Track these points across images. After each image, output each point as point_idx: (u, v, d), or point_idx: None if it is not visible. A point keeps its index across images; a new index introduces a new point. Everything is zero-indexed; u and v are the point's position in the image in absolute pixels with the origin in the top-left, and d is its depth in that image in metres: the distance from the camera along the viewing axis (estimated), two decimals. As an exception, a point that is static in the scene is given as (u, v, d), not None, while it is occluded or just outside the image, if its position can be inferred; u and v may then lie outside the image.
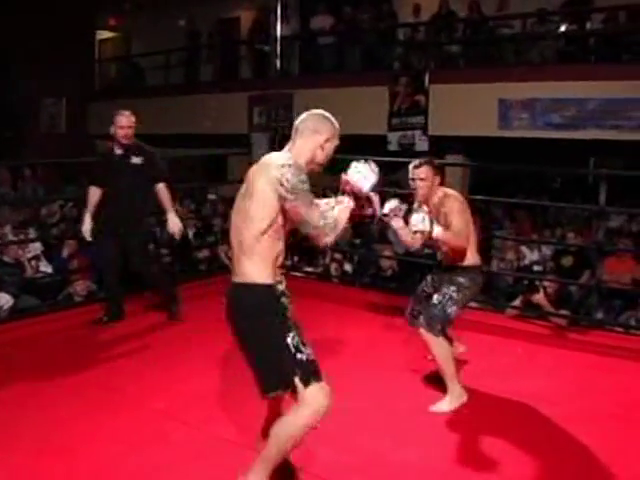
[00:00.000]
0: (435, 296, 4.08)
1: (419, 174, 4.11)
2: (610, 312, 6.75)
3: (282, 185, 2.63)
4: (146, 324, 5.44)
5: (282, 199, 2.65)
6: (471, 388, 4.18)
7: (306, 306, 5.80)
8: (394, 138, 10.74)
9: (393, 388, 4.27)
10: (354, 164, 2.98)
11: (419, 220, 3.93)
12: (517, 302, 6.01)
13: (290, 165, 2.68)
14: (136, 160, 5.31)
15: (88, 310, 5.79)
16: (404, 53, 11.43)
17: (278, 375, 2.69)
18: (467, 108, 9.88)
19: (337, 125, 2.96)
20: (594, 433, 3.67)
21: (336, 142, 2.94)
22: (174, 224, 5.39)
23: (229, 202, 5.93)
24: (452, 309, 4.02)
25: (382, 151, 10.02)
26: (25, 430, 3.54)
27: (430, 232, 3.92)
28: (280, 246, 2.74)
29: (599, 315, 6.48)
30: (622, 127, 8.78)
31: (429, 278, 4.35)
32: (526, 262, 8.24)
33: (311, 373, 2.67)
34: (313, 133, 2.86)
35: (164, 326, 5.45)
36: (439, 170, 4.19)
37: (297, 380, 2.66)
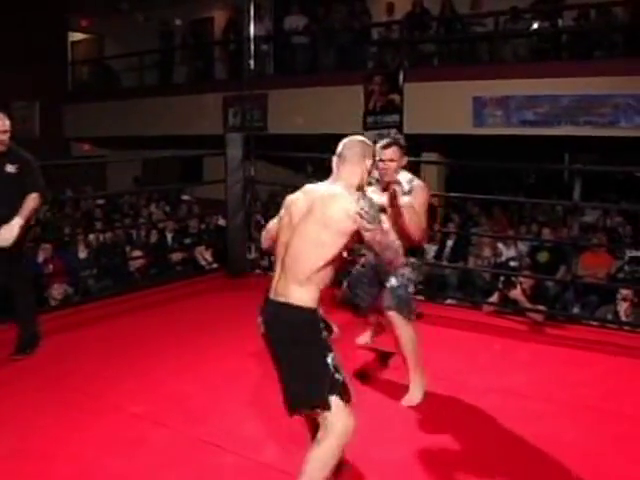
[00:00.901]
0: (393, 279, 4.00)
1: (388, 155, 3.97)
2: (586, 307, 6.82)
3: (363, 217, 2.68)
4: (118, 328, 5.38)
5: (363, 230, 2.70)
6: (449, 384, 4.20)
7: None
8: (370, 137, 10.72)
9: (369, 386, 4.27)
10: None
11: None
12: (494, 298, 6.04)
13: (364, 197, 2.79)
14: (10, 169, 4.67)
15: (65, 314, 5.74)
16: (378, 52, 11.46)
17: (316, 392, 2.70)
18: (442, 106, 9.92)
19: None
20: (570, 426, 3.70)
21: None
22: (6, 231, 4.46)
23: (204, 203, 5.92)
24: (411, 288, 4.04)
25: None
26: (1, 435, 3.50)
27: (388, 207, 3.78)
28: (333, 274, 2.77)
29: (575, 310, 6.54)
30: (595, 123, 8.86)
31: (369, 264, 4.25)
32: (502, 258, 8.29)
33: (346, 394, 2.72)
34: (362, 158, 2.89)
35: (135, 328, 5.40)
36: (406, 151, 4.06)
37: (333, 399, 2.68)
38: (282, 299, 2.73)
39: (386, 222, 3.20)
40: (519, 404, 3.98)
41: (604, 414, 3.88)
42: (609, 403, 4.03)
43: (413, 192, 3.96)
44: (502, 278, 6.14)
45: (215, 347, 4.92)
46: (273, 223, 3.05)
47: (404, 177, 4.00)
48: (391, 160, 3.96)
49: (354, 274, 4.39)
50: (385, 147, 3.97)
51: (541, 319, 5.54)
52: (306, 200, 2.81)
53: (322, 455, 2.71)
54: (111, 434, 3.57)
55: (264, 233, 3.13)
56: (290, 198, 2.90)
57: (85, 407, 3.88)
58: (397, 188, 3.76)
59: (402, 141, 4.09)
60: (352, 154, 2.89)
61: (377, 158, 3.51)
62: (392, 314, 3.96)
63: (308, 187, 2.89)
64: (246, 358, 4.66)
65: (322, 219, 2.71)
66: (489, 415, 3.85)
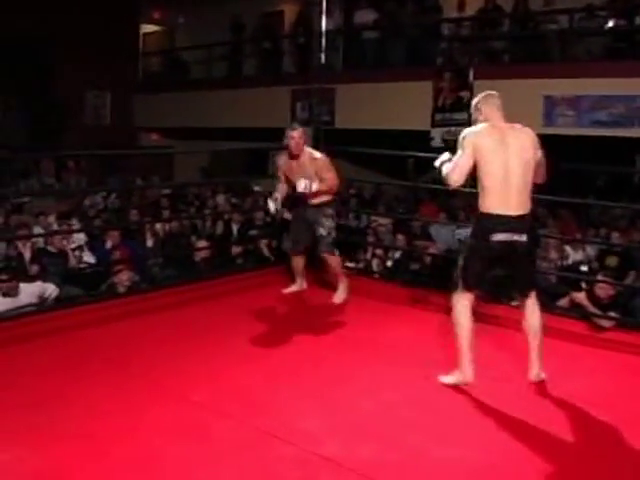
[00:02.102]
0: (321, 229, 5.72)
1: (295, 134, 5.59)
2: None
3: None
4: (182, 317, 5.46)
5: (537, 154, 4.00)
6: (509, 387, 4.15)
7: (350, 302, 5.89)
8: (437, 134, 10.68)
9: (432, 386, 4.24)
10: None
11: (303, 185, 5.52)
12: (564, 302, 5.92)
13: None
14: None
15: (131, 301, 5.86)
16: (448, 48, 11.35)
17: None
18: (511, 104, 9.59)
19: None
20: (635, 438, 3.61)
21: None
22: None
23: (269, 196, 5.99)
24: (334, 233, 5.81)
25: (425, 147, 9.98)
26: (66, 422, 3.57)
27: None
28: None
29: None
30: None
31: (301, 218, 5.86)
32: (569, 261, 8.14)
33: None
34: None
35: (199, 318, 5.47)
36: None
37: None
38: (523, 212, 3.85)
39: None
40: (586, 412, 3.90)
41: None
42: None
43: (319, 165, 5.60)
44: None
45: (278, 340, 4.94)
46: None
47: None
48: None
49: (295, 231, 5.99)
50: (293, 129, 5.63)
51: (609, 325, 5.41)
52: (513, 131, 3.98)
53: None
54: (173, 421, 3.62)
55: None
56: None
57: (148, 394, 3.93)
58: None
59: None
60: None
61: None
62: (328, 255, 5.81)
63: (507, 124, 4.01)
64: (310, 353, 4.70)
65: (525, 146, 3.95)
66: (550, 421, 3.78)
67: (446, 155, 4.09)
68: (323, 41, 7.75)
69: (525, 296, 4.15)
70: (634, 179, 11.62)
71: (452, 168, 3.92)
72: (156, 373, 4.27)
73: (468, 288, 4.02)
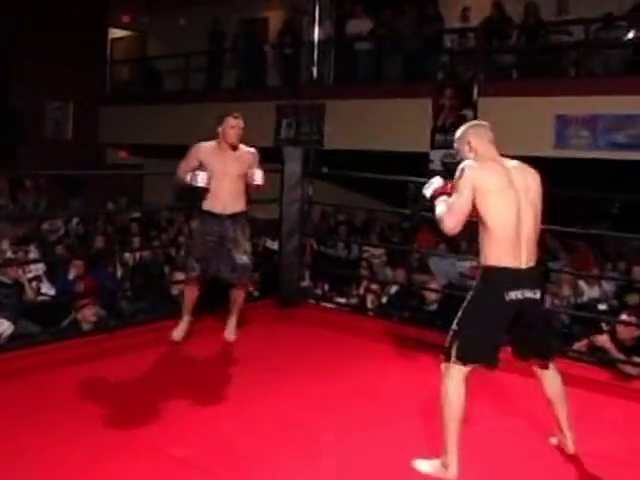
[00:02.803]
0: (242, 255, 5.52)
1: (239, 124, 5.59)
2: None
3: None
4: (155, 359, 5.38)
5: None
6: (526, 444, 4.09)
7: (340, 342, 5.83)
8: (437, 156, 10.71)
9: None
10: None
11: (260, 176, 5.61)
12: (581, 345, 5.88)
13: None
14: None
15: (96, 339, 5.75)
16: (450, 62, 11.41)
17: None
18: (520, 124, 9.82)
19: None
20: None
21: None
22: None
23: (251, 223, 5.94)
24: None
25: (422, 171, 9.97)
26: (28, 471, 3.48)
27: None
28: None
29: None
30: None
31: (215, 232, 5.51)
32: (584, 299, 8.12)
33: None
34: None
35: (176, 359, 5.40)
36: None
37: None
38: (533, 264, 3.60)
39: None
40: (610, 473, 3.84)
41: None
42: None
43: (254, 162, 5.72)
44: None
45: (264, 385, 4.85)
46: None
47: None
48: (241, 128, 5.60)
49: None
50: (235, 117, 5.60)
51: (636, 372, 5.37)
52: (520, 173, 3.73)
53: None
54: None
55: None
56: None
57: (119, 448, 3.84)
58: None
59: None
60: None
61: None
62: (241, 288, 5.69)
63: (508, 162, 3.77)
64: (299, 400, 4.62)
65: (535, 191, 3.74)
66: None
67: (437, 180, 3.82)
68: (315, 53, 7.75)
69: (545, 362, 3.86)
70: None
71: (447, 212, 3.61)
72: (127, 423, 4.17)
73: (466, 360, 3.59)
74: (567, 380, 5.07)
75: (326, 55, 12.04)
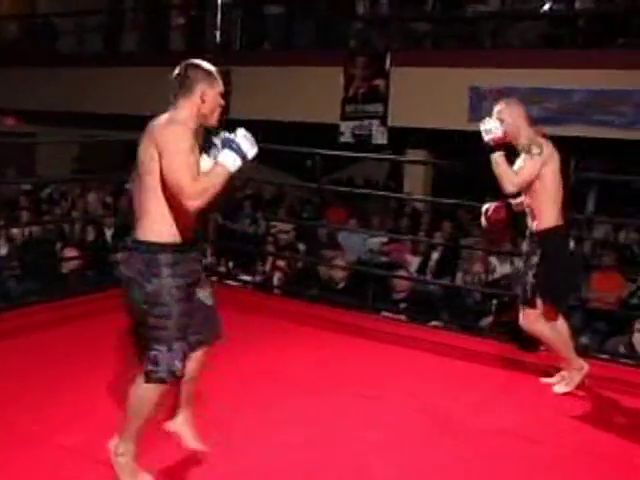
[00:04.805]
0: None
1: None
2: (594, 336, 6.85)
3: None
4: (43, 342, 5.29)
5: None
6: (438, 423, 4.23)
7: (243, 322, 5.86)
8: (347, 128, 10.80)
9: (335, 416, 4.27)
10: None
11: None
12: (487, 321, 6.08)
13: None
14: None
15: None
16: (363, 29, 11.47)
17: None
18: (433, 96, 9.96)
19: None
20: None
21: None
22: None
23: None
24: None
25: (333, 143, 10.03)
26: None
27: None
28: None
29: (583, 340, 6.56)
30: (612, 123, 8.94)
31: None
32: (496, 275, 8.34)
33: None
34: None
35: (66, 342, 5.30)
36: None
37: None
38: None
39: None
40: (521, 448, 4.03)
41: (616, 463, 3.94)
42: (623, 450, 4.08)
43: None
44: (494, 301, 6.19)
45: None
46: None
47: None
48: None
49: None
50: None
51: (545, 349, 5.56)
52: None
53: None
54: (37, 472, 3.52)
55: None
56: None
57: (2, 439, 3.81)
58: None
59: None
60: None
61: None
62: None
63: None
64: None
65: None
66: (486, 460, 3.87)
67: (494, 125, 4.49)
68: (219, 15, 7.71)
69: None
70: (568, 183, 11.96)
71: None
72: (9, 412, 4.12)
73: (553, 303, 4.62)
74: (477, 357, 5.27)
75: (233, 18, 11.97)
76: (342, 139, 10.73)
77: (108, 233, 9.25)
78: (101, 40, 14.53)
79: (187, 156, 2.99)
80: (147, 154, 3.05)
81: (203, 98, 3.14)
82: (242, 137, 3.11)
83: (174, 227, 3.09)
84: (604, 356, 5.87)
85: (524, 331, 4.79)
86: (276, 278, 8.06)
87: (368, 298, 7.10)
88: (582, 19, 10.16)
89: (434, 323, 6.82)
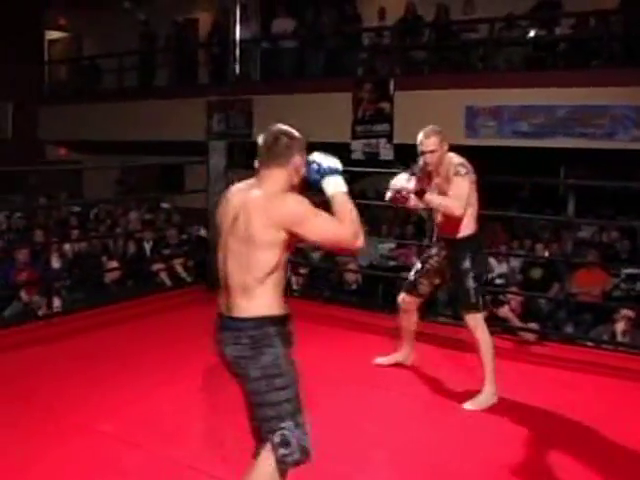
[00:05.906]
0: None
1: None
2: (580, 326, 6.87)
3: None
4: (89, 344, 5.36)
5: None
6: (430, 407, 4.24)
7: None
8: (358, 146, 10.84)
9: (360, 407, 4.29)
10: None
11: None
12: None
13: None
14: None
15: (33, 327, 5.70)
16: (368, 58, 11.55)
17: None
18: (433, 116, 9.90)
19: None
20: (559, 453, 3.73)
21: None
22: None
23: (186, 212, 5.92)
24: None
25: (345, 160, 10.03)
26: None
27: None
28: None
29: (569, 329, 6.58)
30: (591, 135, 8.96)
31: None
32: (494, 274, 8.33)
33: None
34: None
35: (106, 347, 5.34)
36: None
37: None
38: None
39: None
40: (505, 428, 4.02)
41: (596, 440, 3.92)
42: (602, 428, 4.06)
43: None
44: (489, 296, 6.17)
45: (189, 365, 4.88)
46: None
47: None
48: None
49: None
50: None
51: (533, 338, 5.57)
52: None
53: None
54: (80, 455, 3.56)
55: None
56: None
57: (50, 427, 3.86)
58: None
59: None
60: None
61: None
62: None
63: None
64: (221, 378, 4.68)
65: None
66: (475, 437, 3.88)
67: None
68: (237, 51, 7.77)
69: None
70: (558, 190, 11.95)
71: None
72: (60, 405, 4.17)
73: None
74: (470, 347, 5.25)
75: (253, 53, 12.07)
76: (354, 156, 10.78)
77: (147, 246, 9.32)
78: (137, 77, 14.70)
79: (318, 212, 2.68)
80: (263, 231, 2.64)
81: (297, 169, 2.80)
82: (318, 158, 2.84)
83: (282, 298, 2.76)
84: (589, 344, 5.87)
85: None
86: (294, 282, 8.06)
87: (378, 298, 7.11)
88: (562, 44, 10.20)
89: (441, 319, 6.79)
